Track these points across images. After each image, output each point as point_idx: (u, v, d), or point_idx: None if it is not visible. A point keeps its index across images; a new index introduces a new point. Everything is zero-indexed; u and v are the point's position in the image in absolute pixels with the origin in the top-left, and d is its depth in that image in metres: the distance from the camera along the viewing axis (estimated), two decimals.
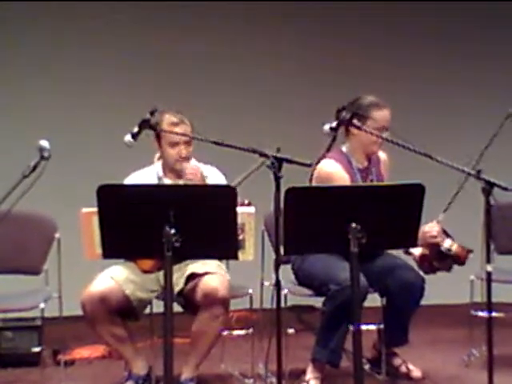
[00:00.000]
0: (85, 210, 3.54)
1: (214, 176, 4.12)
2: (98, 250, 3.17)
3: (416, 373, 4.26)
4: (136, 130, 3.66)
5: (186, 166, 3.99)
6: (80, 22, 5.84)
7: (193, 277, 3.86)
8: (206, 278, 3.81)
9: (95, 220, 3.09)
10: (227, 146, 3.48)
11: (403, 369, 4.27)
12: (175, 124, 3.99)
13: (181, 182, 4.02)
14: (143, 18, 5.94)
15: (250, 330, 4.23)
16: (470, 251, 3.94)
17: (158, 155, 4.14)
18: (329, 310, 3.92)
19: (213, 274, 3.84)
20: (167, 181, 4.09)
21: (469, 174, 3.37)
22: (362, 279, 3.65)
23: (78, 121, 5.80)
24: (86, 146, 5.72)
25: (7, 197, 2.77)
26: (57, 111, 5.75)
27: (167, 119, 4.00)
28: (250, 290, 4.14)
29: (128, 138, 3.66)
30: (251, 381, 4.20)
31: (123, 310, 3.90)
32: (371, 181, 4.17)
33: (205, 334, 3.83)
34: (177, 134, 3.94)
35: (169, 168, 4.09)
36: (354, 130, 3.98)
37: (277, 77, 6.10)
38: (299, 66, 6.17)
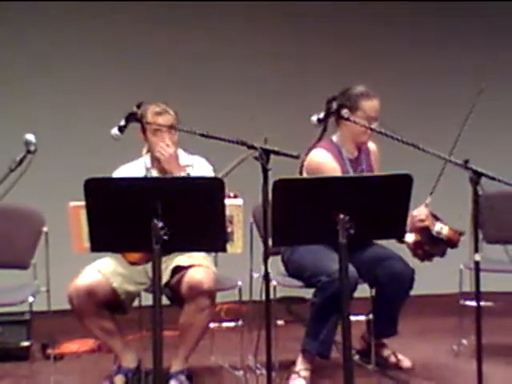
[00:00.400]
0: (72, 203, 3.52)
1: (201, 166, 4.12)
2: (86, 244, 3.15)
3: (406, 362, 4.28)
4: (123, 123, 3.65)
5: (161, 153, 3.99)
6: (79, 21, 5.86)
7: (178, 269, 3.85)
8: (191, 271, 3.80)
9: (83, 213, 3.07)
10: (214, 138, 3.47)
11: (392, 359, 4.28)
12: (158, 113, 4.00)
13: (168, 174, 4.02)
14: (143, 17, 5.94)
15: (240, 322, 4.22)
16: (461, 233, 3.95)
17: (145, 149, 4.13)
18: (319, 302, 3.92)
19: (198, 267, 3.83)
20: (154, 172, 4.09)
21: (456, 163, 3.37)
22: (352, 269, 3.66)
23: (64, 115, 5.78)
24: (72, 140, 5.70)
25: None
26: (43, 106, 5.73)
27: (151, 110, 4.00)
28: (239, 283, 4.14)
29: (115, 131, 3.64)
30: (241, 373, 4.20)
31: (111, 303, 3.89)
32: (361, 171, 4.17)
33: (192, 326, 3.82)
34: (160, 125, 3.95)
35: (156, 159, 4.08)
36: (343, 120, 3.97)
37: (276, 75, 6.11)
38: (298, 65, 6.19)
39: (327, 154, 4.07)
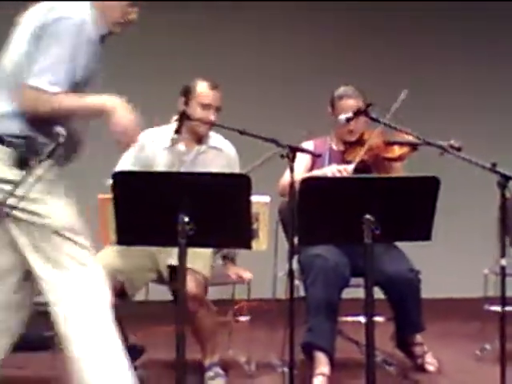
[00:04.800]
0: (100, 195, 3.54)
1: (229, 150, 4.19)
2: (113, 236, 3.17)
3: (430, 367, 4.24)
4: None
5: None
6: None
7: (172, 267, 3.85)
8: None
9: (110, 206, 3.09)
10: (248, 134, 3.50)
11: (419, 361, 4.25)
12: (214, 87, 4.04)
13: (195, 148, 4.08)
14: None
15: (247, 318, 4.23)
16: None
17: (175, 117, 4.01)
18: (310, 296, 3.97)
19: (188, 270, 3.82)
20: (181, 145, 4.08)
21: (483, 167, 3.35)
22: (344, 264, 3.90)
23: None
24: (102, 132, 5.72)
25: (22, 183, 2.77)
26: None
27: (202, 82, 4.05)
28: (247, 276, 4.17)
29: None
30: (263, 370, 4.20)
31: (117, 294, 3.88)
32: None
33: (196, 326, 3.87)
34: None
35: (190, 131, 4.07)
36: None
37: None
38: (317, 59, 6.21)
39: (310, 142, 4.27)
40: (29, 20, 2.97)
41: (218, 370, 4.01)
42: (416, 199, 3.07)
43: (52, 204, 2.95)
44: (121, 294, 3.90)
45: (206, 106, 4.00)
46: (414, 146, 3.98)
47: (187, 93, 4.03)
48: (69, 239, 2.96)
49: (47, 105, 2.84)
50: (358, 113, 3.65)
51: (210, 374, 3.98)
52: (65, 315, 2.97)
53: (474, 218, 5.90)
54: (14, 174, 2.85)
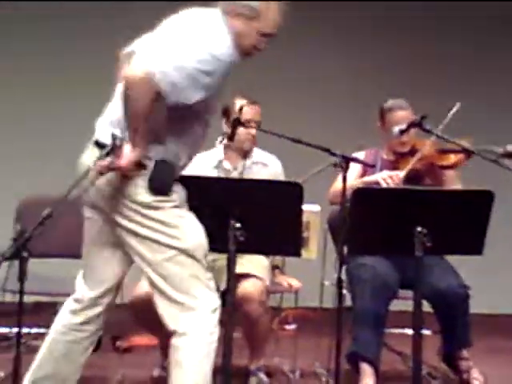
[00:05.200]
0: None
1: (274, 165, 4.19)
2: None
3: (476, 382, 4.17)
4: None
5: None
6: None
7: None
8: (243, 283, 3.75)
9: None
10: (299, 142, 3.51)
11: (465, 376, 4.20)
12: (249, 103, 4.03)
13: (240, 164, 4.10)
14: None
15: (293, 326, 4.23)
16: None
17: (219, 139, 4.09)
18: (357, 307, 3.94)
19: (250, 278, 3.81)
20: (226, 163, 4.12)
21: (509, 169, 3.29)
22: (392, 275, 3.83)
23: None
24: None
25: (78, 183, 2.80)
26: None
27: (240, 100, 4.04)
28: (296, 284, 4.16)
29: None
30: (308, 379, 4.20)
31: None
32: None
33: (251, 332, 3.88)
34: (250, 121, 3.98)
35: (235, 148, 4.11)
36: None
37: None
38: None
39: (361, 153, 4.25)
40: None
41: (263, 375, 4.02)
42: (469, 213, 3.06)
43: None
44: None
45: (247, 122, 4.03)
46: (468, 153, 3.95)
47: (227, 112, 4.07)
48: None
49: None
50: (412, 125, 3.63)
51: (253, 379, 3.99)
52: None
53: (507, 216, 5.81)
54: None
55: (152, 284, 2.91)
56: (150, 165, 2.81)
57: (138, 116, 2.72)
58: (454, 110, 3.94)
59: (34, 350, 3.18)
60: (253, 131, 4.03)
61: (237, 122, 3.80)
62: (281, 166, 4.21)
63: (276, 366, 4.34)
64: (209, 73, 2.73)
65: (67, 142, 5.67)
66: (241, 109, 3.82)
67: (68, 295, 4.30)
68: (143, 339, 4.71)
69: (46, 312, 4.68)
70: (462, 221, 3.07)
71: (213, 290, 2.91)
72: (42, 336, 4.40)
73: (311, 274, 4.27)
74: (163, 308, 2.90)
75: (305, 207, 3.09)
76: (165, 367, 4.09)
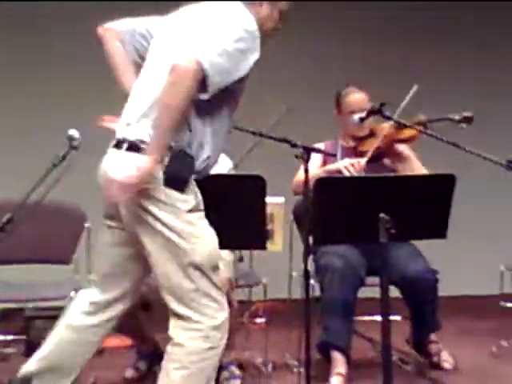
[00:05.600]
0: None
1: (224, 163, 4.14)
2: None
3: (446, 364, 4.23)
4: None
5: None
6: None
7: None
8: None
9: None
10: (263, 136, 3.51)
11: (435, 359, 4.24)
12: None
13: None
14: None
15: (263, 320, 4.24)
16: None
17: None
18: (326, 299, 3.98)
19: None
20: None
21: (500, 164, 3.33)
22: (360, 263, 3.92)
23: (106, 110, 5.79)
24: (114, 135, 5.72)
25: (37, 187, 2.78)
26: (86, 100, 5.77)
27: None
28: (264, 280, 4.14)
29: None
30: (280, 371, 4.21)
31: (140, 306, 3.91)
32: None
33: None
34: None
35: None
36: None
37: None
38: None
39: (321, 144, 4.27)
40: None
41: (234, 369, 4.02)
42: (432, 197, 3.06)
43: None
44: (144, 306, 3.94)
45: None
46: (424, 125, 3.97)
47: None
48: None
49: None
50: (371, 112, 3.64)
51: (225, 373, 3.97)
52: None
53: (491, 215, 5.88)
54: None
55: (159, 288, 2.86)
56: (169, 154, 2.71)
57: (177, 108, 2.64)
58: (412, 92, 3.97)
59: (5, 359, 3.15)
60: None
61: None
62: (231, 163, 4.18)
63: (248, 360, 4.34)
64: (248, 50, 2.75)
65: (30, 143, 5.68)
66: None
67: (35, 301, 4.32)
68: (114, 341, 4.68)
69: (13, 319, 4.67)
70: (425, 205, 3.08)
71: (221, 304, 2.84)
72: (11, 343, 4.40)
73: (279, 265, 4.28)
74: (168, 313, 2.85)
75: (268, 199, 3.09)
76: (138, 368, 4.10)
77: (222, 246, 3.39)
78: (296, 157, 3.45)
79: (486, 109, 5.87)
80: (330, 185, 3.07)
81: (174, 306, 2.80)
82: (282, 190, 3.64)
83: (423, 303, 4.05)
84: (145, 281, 3.86)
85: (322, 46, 6.20)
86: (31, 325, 4.56)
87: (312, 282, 4.02)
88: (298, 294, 3.94)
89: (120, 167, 2.72)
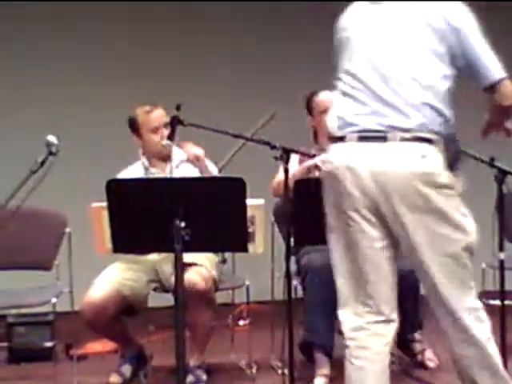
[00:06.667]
0: (94, 204, 3.54)
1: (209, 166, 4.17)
2: (108, 245, 3.17)
3: (430, 363, 4.24)
4: (168, 130, 3.69)
5: (187, 151, 4.10)
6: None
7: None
8: (187, 273, 3.66)
9: (105, 215, 3.08)
10: (242, 138, 3.50)
11: (419, 357, 4.25)
12: (149, 111, 4.07)
13: (168, 167, 4.09)
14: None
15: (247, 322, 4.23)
16: None
17: (141, 150, 4.16)
18: (309, 297, 3.97)
19: (195, 267, 3.82)
20: (154, 170, 4.13)
21: (482, 161, 3.34)
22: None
23: (85, 116, 5.79)
24: (94, 141, 5.72)
25: (16, 193, 2.76)
26: (63, 106, 5.75)
27: (141, 110, 4.08)
28: (247, 282, 4.15)
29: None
30: (264, 372, 4.20)
31: (123, 311, 3.93)
32: None
33: (196, 324, 3.85)
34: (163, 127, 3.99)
35: (155, 156, 4.12)
36: None
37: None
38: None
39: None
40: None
41: (201, 373, 3.99)
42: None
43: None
44: (126, 311, 3.94)
45: (155, 129, 4.05)
46: None
47: (133, 125, 4.09)
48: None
49: None
50: None
51: (190, 378, 3.94)
52: None
53: (472, 212, 5.84)
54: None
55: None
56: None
57: None
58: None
59: None
60: (165, 133, 3.93)
61: (176, 122, 3.74)
62: (216, 169, 4.17)
63: (232, 362, 4.34)
64: None
65: (8, 150, 5.65)
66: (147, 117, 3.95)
67: (17, 307, 4.30)
68: (97, 346, 4.67)
69: None
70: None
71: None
72: None
73: (262, 267, 4.28)
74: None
75: (248, 201, 3.08)
76: (122, 373, 4.07)
77: (204, 248, 3.42)
78: (275, 158, 3.45)
79: None
80: (309, 185, 3.07)
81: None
82: (261, 192, 3.63)
83: (405, 303, 4.03)
84: (128, 285, 3.90)
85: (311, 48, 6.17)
86: (13, 331, 4.55)
87: (295, 282, 4.03)
88: (280, 295, 3.93)
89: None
